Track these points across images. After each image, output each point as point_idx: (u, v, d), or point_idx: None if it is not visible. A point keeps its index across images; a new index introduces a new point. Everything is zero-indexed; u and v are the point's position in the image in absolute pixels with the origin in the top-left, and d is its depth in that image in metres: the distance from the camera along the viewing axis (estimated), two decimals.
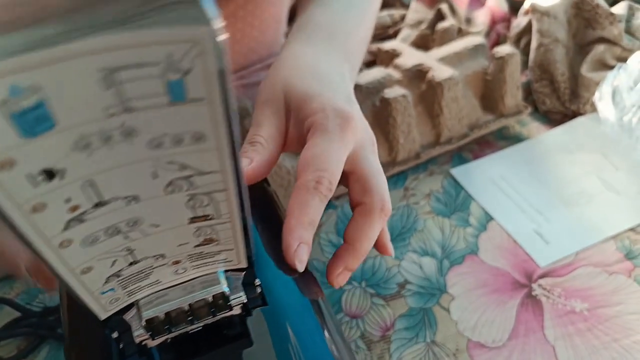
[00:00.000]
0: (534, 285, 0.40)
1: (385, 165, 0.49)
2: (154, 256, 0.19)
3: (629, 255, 0.41)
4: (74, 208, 0.15)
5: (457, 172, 0.50)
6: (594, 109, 0.51)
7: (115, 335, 0.21)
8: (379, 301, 0.40)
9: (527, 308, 0.38)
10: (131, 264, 0.18)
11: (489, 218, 0.45)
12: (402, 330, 0.38)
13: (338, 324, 0.27)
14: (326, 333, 0.24)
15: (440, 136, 0.50)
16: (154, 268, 0.19)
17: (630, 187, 0.46)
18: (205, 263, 0.20)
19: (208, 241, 0.19)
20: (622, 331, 0.36)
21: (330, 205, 0.48)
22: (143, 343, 0.21)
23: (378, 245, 0.31)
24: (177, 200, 0.17)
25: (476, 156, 0.52)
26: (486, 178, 0.49)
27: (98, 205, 0.15)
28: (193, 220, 0.18)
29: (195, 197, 0.17)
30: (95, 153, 0.14)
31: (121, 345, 0.22)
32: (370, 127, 0.48)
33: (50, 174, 0.14)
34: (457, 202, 0.47)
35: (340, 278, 0.27)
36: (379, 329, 0.38)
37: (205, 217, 0.18)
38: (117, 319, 0.21)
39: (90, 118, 0.13)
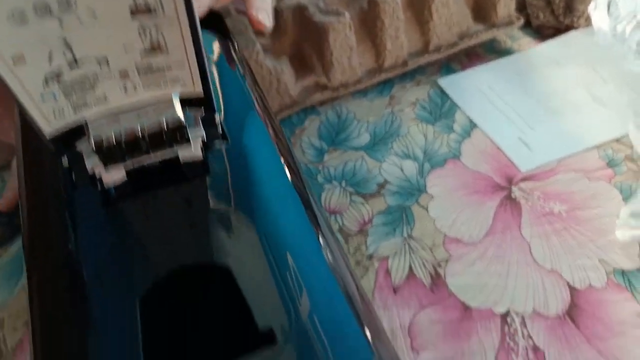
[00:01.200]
0: (514, 188, 0.40)
1: (372, 72, 0.48)
2: (97, 60, 0.17)
3: (610, 164, 0.41)
4: None
5: (445, 82, 0.49)
6: (588, 23, 0.50)
7: (65, 163, 0.20)
8: (358, 199, 0.40)
9: (506, 209, 0.38)
10: (71, 66, 0.17)
11: (473, 125, 0.45)
12: (380, 225, 0.38)
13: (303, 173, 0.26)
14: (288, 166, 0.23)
15: (429, 44, 0.49)
16: (99, 77, 0.18)
17: (618, 100, 0.45)
18: (156, 81, 0.19)
19: (155, 47, 0.18)
20: (598, 232, 0.36)
21: (313, 111, 0.47)
22: (97, 175, 0.20)
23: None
24: None
25: (465, 68, 0.50)
26: (474, 88, 0.48)
27: None
28: (134, 12, 0.16)
29: None
30: None
31: (73, 176, 0.20)
32: (357, 32, 0.47)
33: None
34: (442, 110, 0.47)
35: None
36: (357, 224, 0.38)
37: (147, 9, 0.16)
38: (68, 146, 0.19)
39: None
